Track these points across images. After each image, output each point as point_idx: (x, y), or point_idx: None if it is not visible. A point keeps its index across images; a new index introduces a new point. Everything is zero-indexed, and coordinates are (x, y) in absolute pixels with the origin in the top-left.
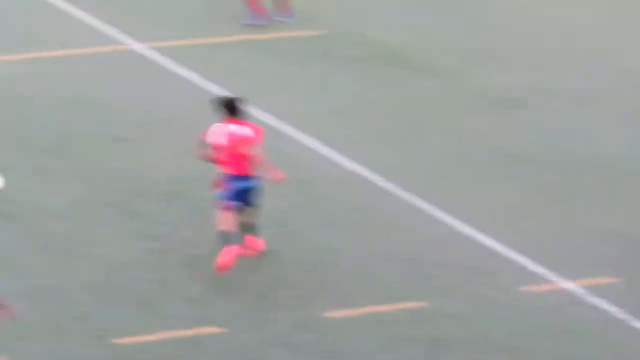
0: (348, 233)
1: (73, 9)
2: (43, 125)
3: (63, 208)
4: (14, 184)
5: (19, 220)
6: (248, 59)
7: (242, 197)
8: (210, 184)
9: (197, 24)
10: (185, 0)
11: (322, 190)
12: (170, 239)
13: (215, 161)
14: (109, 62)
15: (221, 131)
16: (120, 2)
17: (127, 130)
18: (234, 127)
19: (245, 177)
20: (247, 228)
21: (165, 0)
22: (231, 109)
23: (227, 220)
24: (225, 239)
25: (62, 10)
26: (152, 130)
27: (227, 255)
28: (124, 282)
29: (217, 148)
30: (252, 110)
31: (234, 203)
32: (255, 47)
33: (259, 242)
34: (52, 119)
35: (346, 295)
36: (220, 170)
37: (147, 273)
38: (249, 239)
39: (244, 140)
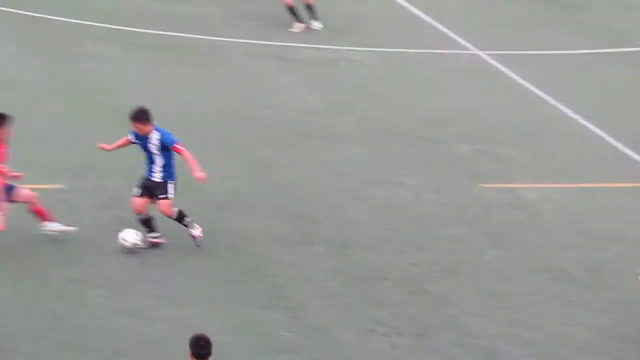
0: None
1: (613, 141)
2: (572, 255)
3: (587, 340)
4: (540, 312)
5: (540, 347)
6: None
7: None
8: None
9: None
10: None
11: None
12: None
13: None
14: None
15: None
16: None
17: None
18: None
19: None
20: None
21: None
22: None
23: None
24: None
25: (601, 139)
26: None
27: None
28: None
29: None
30: None
31: None
32: None
33: None
34: (579, 250)
35: None
36: None
37: None
38: None
39: None
